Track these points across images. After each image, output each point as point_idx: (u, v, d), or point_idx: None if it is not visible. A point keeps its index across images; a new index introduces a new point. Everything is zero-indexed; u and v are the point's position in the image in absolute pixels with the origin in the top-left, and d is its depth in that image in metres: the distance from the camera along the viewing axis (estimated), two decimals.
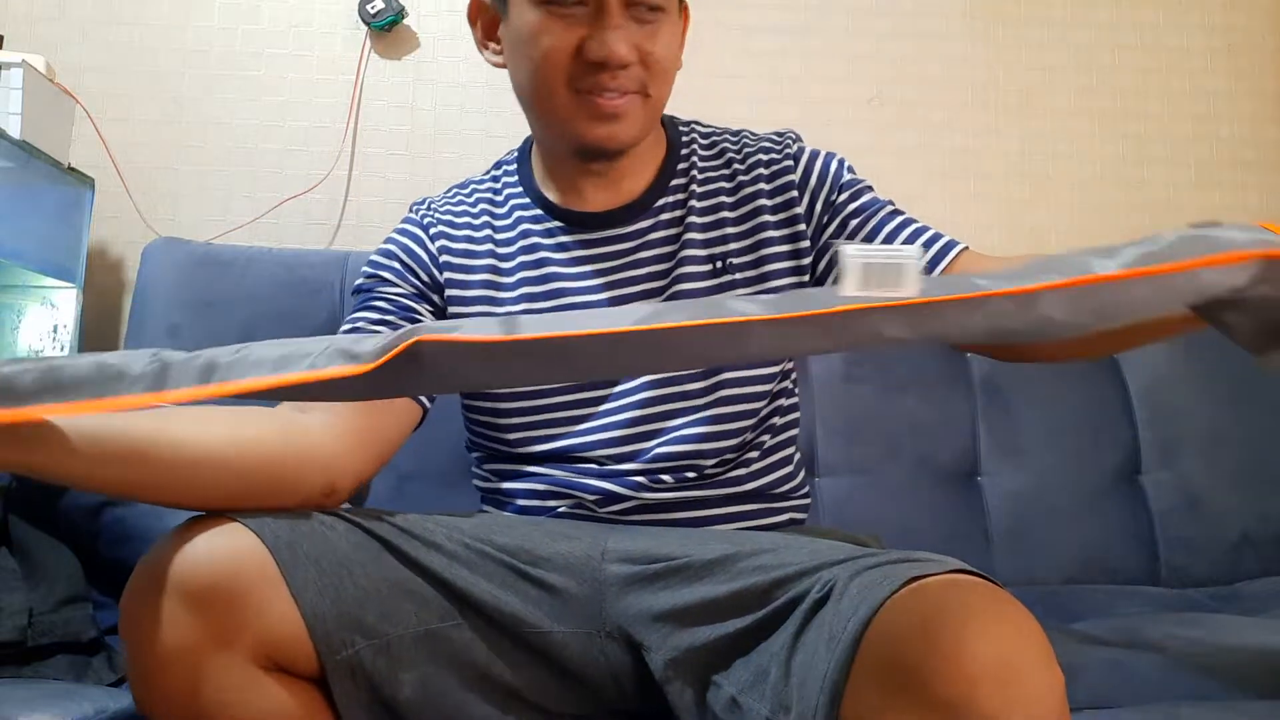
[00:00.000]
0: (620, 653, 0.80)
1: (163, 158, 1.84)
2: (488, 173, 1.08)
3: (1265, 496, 1.63)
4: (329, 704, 0.73)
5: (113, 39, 1.86)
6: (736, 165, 1.01)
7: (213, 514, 0.72)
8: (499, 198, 1.04)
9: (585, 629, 0.80)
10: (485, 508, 1.00)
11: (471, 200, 1.05)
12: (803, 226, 0.97)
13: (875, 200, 0.98)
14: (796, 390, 1.04)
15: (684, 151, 1.02)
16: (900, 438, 1.62)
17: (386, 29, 1.89)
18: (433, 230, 1.02)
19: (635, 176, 1.00)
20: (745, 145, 1.02)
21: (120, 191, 1.79)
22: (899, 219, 0.96)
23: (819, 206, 0.98)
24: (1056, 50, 2.04)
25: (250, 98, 1.87)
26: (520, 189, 1.03)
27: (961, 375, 1.67)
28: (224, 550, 0.69)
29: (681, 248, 0.97)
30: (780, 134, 1.03)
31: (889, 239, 0.94)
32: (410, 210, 1.07)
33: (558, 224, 1.00)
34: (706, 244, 0.98)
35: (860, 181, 1.00)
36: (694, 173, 1.01)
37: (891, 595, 0.62)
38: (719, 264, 0.97)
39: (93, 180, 1.73)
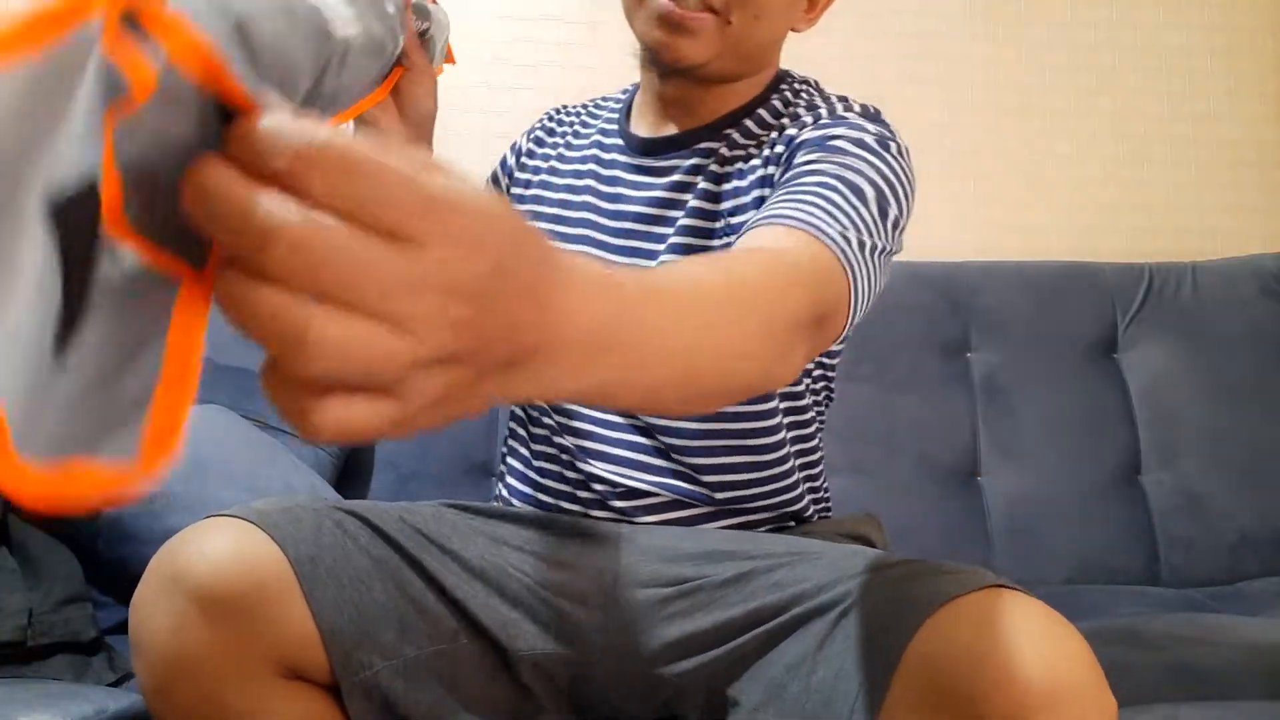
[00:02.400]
0: (625, 675, 0.79)
1: None
2: (625, 90, 1.03)
3: (1265, 496, 1.63)
4: (343, 712, 0.73)
5: None
6: (791, 131, 0.87)
7: (228, 513, 0.70)
8: (601, 111, 1.02)
9: (593, 652, 0.79)
10: (508, 480, 0.96)
11: (578, 110, 1.04)
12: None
13: (823, 166, 0.78)
14: (824, 419, 0.98)
15: (771, 105, 0.92)
16: (900, 437, 1.62)
17: None
18: (534, 134, 1.04)
19: (708, 116, 0.91)
20: (818, 114, 0.90)
21: None
22: (798, 189, 0.75)
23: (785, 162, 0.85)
24: (1056, 50, 2.04)
25: None
26: (619, 109, 0.99)
27: (961, 375, 1.67)
28: (243, 558, 0.67)
29: (698, 198, 0.87)
30: (861, 107, 0.94)
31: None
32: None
33: (617, 143, 0.95)
34: (726, 196, 0.87)
35: (845, 149, 0.81)
36: (770, 132, 0.89)
37: (932, 615, 0.60)
38: (727, 223, 0.87)
39: None
